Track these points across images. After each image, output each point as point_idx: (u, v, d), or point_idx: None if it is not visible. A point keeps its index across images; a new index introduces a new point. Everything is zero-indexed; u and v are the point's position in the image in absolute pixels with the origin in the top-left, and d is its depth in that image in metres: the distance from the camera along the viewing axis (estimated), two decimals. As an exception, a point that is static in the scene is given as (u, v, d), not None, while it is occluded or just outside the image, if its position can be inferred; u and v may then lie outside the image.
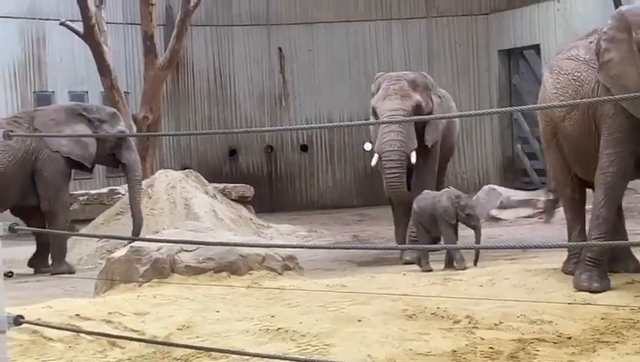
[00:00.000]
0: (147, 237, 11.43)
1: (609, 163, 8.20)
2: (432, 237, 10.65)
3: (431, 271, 10.10)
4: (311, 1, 24.18)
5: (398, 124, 11.36)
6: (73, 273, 12.67)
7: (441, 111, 12.24)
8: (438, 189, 13.06)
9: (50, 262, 12.96)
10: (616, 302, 7.41)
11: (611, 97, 7.19)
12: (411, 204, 11.05)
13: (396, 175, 11.57)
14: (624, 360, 5.53)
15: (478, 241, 10.46)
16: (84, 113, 13.10)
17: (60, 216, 12.88)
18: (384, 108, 11.72)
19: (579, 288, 7.91)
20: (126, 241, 10.92)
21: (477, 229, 10.51)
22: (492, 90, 23.49)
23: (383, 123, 11.32)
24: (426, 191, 11.16)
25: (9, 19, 19.78)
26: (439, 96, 12.44)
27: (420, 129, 11.83)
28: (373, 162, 12.19)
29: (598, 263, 7.96)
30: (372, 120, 12.23)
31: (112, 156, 13.39)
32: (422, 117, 11.92)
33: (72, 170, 13.38)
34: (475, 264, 10.14)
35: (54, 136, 12.82)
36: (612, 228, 8.22)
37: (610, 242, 8.29)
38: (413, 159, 11.60)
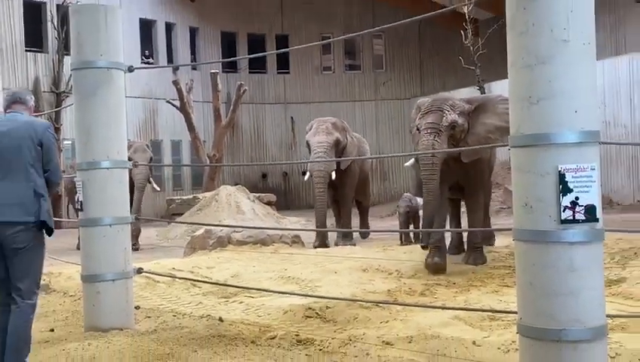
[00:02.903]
0: (215, 223, 11.39)
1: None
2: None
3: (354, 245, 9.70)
4: (309, 90, 24.45)
5: (323, 153, 10.16)
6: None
7: (352, 147, 10.81)
8: (365, 200, 12.02)
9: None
10: (478, 266, 7.39)
11: (484, 145, 6.67)
12: (325, 206, 10.22)
13: (321, 187, 10.40)
14: (486, 296, 5.52)
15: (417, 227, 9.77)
16: None
17: None
18: (314, 141, 10.49)
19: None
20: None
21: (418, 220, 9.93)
22: (413, 143, 23.49)
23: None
24: (405, 194, 10.56)
25: (137, 98, 19.81)
26: (352, 137, 11.09)
27: (339, 158, 10.52)
28: (306, 178, 10.95)
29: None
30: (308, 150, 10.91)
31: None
32: (349, 157, 10.29)
33: None
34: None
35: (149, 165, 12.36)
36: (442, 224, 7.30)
37: (474, 228, 8.00)
38: (333, 176, 10.45)
